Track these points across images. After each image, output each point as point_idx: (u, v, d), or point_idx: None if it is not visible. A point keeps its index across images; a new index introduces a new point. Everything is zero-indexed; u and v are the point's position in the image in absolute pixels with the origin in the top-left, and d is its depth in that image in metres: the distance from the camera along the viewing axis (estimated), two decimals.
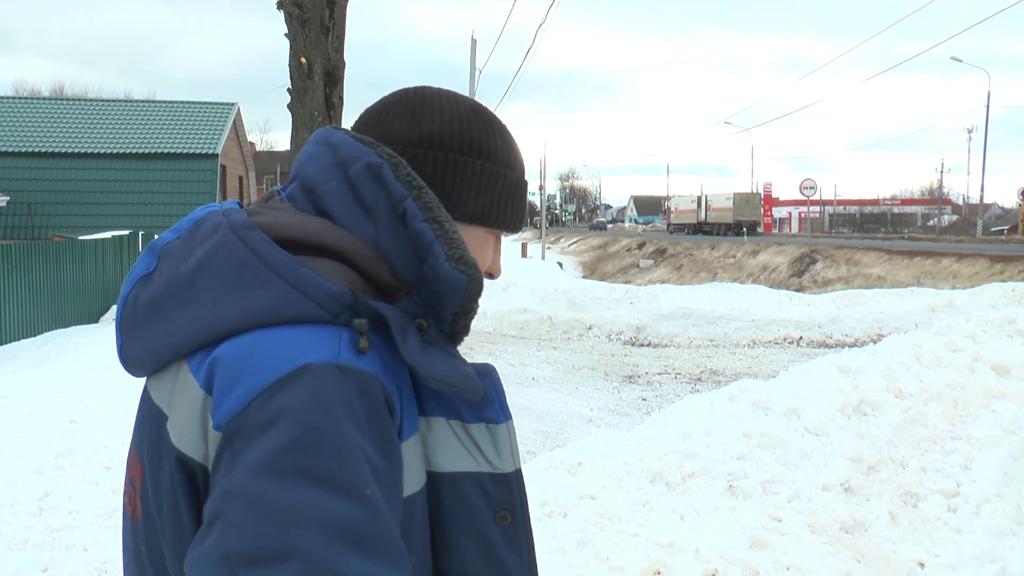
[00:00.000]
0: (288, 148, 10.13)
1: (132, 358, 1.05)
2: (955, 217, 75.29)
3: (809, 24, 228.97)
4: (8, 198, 24.65)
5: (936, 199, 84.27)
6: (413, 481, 1.00)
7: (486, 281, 1.18)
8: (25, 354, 11.84)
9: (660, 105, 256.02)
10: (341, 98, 9.95)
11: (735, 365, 12.40)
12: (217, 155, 28.02)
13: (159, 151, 27.67)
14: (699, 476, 5.32)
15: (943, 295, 16.39)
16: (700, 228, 62.37)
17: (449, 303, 1.02)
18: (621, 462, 5.49)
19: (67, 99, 32.68)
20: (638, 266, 43.50)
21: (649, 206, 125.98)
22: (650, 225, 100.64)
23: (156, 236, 1.46)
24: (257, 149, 61.05)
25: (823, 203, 75.55)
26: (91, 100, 31.67)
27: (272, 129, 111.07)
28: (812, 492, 5.17)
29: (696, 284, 22.02)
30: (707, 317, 15.09)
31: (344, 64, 10.00)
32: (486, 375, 1.07)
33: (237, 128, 32.72)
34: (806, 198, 35.86)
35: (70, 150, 27.34)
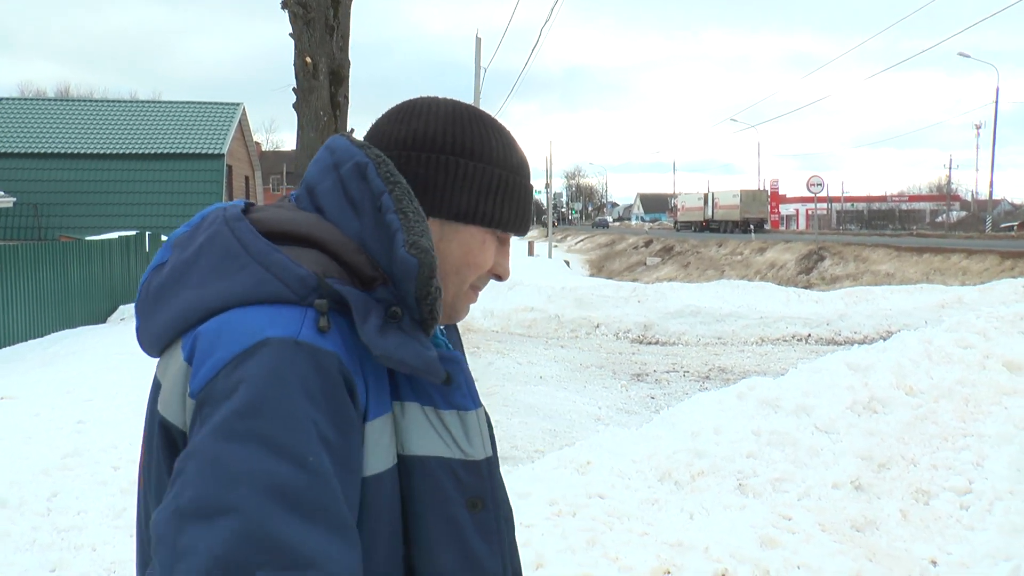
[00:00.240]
0: (294, 148, 10.11)
1: (145, 339, 1.14)
2: (964, 213, 75.06)
3: (813, 20, 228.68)
4: (14, 199, 24.69)
5: (944, 195, 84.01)
6: (379, 461, 1.05)
7: (492, 281, 1.26)
8: (32, 355, 11.86)
9: (665, 102, 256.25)
10: (346, 97, 9.93)
11: (743, 363, 12.36)
12: (223, 155, 28.05)
13: (165, 151, 27.70)
14: (708, 474, 5.29)
15: (953, 291, 16.31)
16: (707, 226, 62.27)
17: (408, 288, 1.07)
18: (630, 461, 5.47)
19: (72, 100, 32.72)
20: (645, 264, 43.48)
21: (656, 204, 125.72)
22: (657, 223, 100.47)
23: (164, 236, 1.47)
24: (263, 149, 61.17)
25: (830, 200, 75.26)
26: (96, 101, 31.70)
27: (278, 129, 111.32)
28: (822, 490, 5.14)
29: (703, 282, 21.95)
30: (715, 315, 15.04)
31: (349, 63, 9.98)
32: (452, 362, 1.11)
33: (243, 128, 32.76)
34: (813, 195, 35.79)
35: (76, 151, 27.38)
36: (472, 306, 1.29)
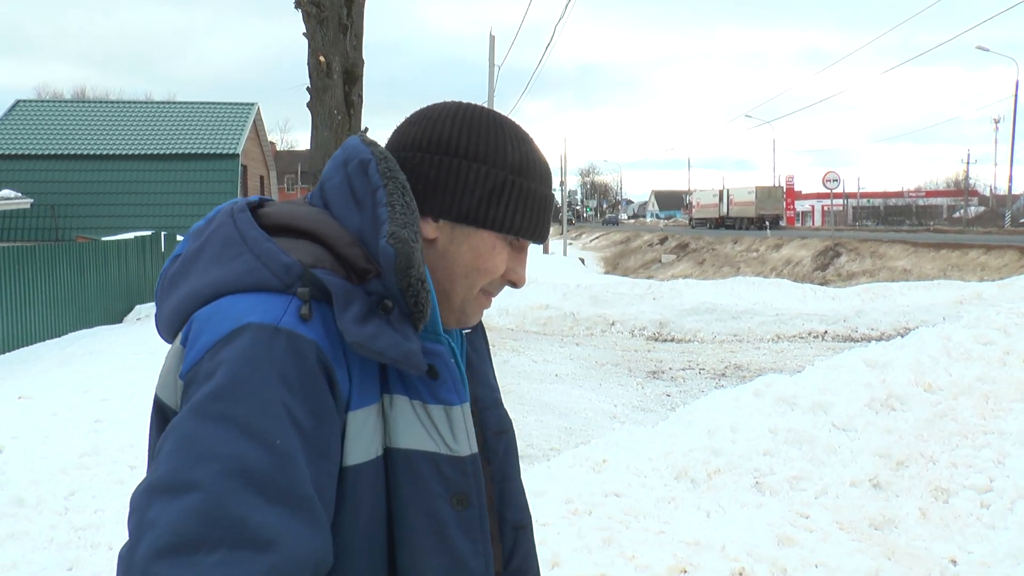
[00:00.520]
0: (308, 147, 10.13)
1: (160, 324, 1.18)
2: (982, 208, 74.39)
3: (828, 15, 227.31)
4: (32, 200, 24.85)
5: (962, 190, 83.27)
6: (360, 451, 1.06)
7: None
8: (49, 355, 11.93)
9: (680, 99, 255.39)
10: (360, 96, 9.94)
11: (760, 360, 12.30)
12: (238, 155, 28.17)
13: (180, 152, 27.85)
14: (725, 473, 5.26)
15: (971, 287, 16.18)
16: (722, 222, 62.00)
17: (391, 279, 1.07)
18: (646, 459, 5.44)
19: (89, 102, 32.94)
20: (660, 261, 43.40)
21: (670, 201, 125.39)
22: (672, 220, 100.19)
23: (179, 236, 1.51)
24: (277, 149, 61.38)
25: (846, 196, 74.89)
26: (112, 102, 31.94)
27: (292, 129, 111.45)
28: (840, 488, 5.10)
29: (719, 279, 21.87)
30: (731, 312, 14.98)
31: (362, 62, 9.99)
32: (435, 356, 1.11)
33: (257, 128, 32.91)
34: (829, 191, 35.62)
35: (92, 152, 27.57)
36: None
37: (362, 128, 9.96)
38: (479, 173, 1.17)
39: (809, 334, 14.46)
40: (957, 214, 73.75)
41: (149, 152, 27.78)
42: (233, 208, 1.14)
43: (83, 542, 4.95)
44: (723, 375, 11.23)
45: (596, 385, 10.50)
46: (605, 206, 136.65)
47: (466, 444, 1.13)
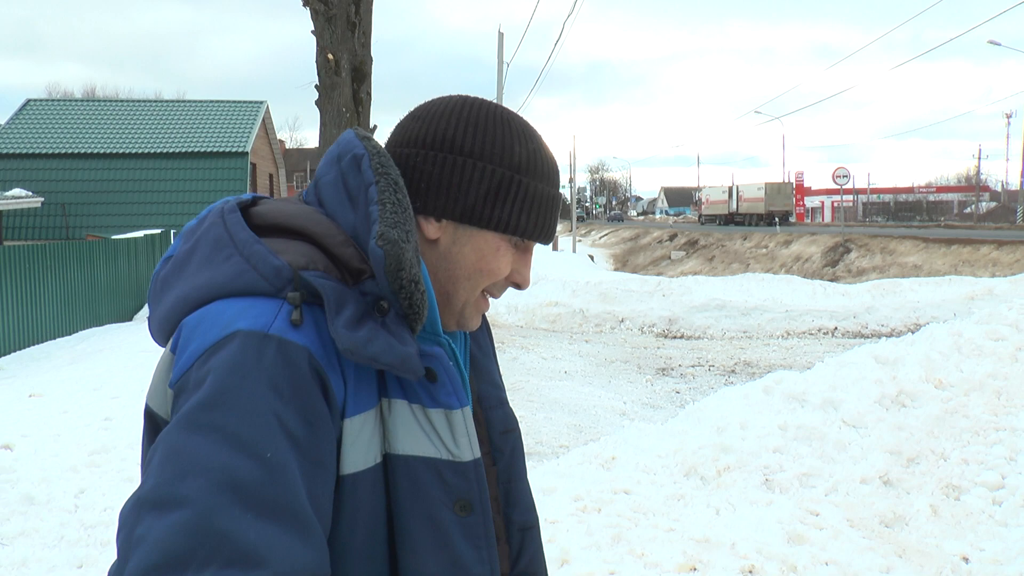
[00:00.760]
0: (317, 145, 10.14)
1: (153, 329, 1.15)
2: (993, 204, 74.02)
3: (837, 10, 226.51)
4: (43, 199, 24.93)
5: (973, 186, 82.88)
6: (358, 459, 1.03)
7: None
8: (60, 353, 11.99)
9: (688, 96, 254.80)
10: (369, 93, 9.94)
11: (769, 357, 12.26)
12: (247, 153, 28.21)
13: (190, 150, 27.89)
14: (734, 470, 5.24)
15: (983, 283, 16.10)
16: (731, 219, 61.82)
17: (382, 280, 1.04)
18: (655, 456, 5.43)
19: (99, 101, 33.00)
20: (670, 258, 43.30)
21: (680, 197, 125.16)
22: (681, 216, 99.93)
23: None
24: (286, 147, 61.49)
25: (856, 192, 74.53)
26: (122, 101, 31.99)
27: (301, 126, 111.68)
28: (850, 485, 5.08)
29: (728, 275, 21.80)
30: (740, 308, 14.94)
31: (371, 59, 9.99)
32: (433, 358, 1.08)
33: (266, 126, 32.95)
34: (839, 187, 35.37)
35: (103, 151, 27.63)
36: (496, 301, 1.26)
37: (371, 126, 9.96)
38: (483, 171, 1.12)
39: (819, 330, 14.41)
40: (968, 210, 73.37)
41: (159, 151, 27.84)
42: (223, 208, 1.11)
43: (93, 540, 4.96)
44: (732, 372, 11.19)
45: (605, 382, 10.49)
46: (614, 203, 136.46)
47: (468, 449, 1.10)
